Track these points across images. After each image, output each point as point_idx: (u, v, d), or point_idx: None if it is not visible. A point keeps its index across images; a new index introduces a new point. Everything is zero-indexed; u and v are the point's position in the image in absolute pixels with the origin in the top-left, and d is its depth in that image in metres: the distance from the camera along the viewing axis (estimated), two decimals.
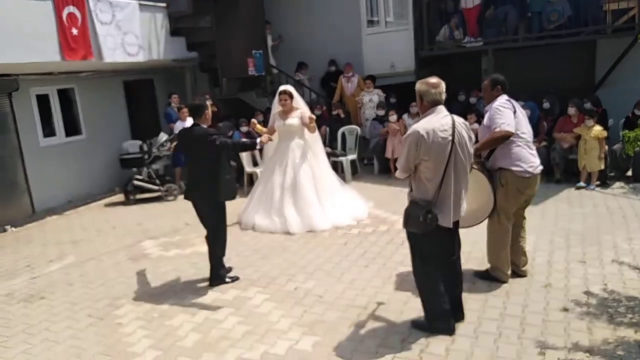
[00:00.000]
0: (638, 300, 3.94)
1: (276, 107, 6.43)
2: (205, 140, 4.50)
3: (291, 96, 6.30)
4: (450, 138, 3.35)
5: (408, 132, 3.41)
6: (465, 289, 4.18)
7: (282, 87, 6.45)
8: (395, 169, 3.61)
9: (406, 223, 3.45)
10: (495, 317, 3.83)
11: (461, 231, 3.80)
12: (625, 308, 3.84)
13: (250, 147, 5.14)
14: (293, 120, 6.30)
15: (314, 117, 6.36)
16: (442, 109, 3.45)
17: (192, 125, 4.69)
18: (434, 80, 3.48)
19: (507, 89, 4.26)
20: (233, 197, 4.76)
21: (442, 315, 3.62)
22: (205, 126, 4.65)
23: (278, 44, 11.04)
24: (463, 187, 3.52)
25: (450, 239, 3.67)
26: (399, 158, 3.51)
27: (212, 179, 4.57)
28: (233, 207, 5.56)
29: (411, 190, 3.54)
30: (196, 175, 4.72)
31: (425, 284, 3.64)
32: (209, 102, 4.95)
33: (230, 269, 5.04)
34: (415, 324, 3.77)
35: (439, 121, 3.38)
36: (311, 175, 6.41)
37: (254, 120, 6.48)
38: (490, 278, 4.41)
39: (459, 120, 3.48)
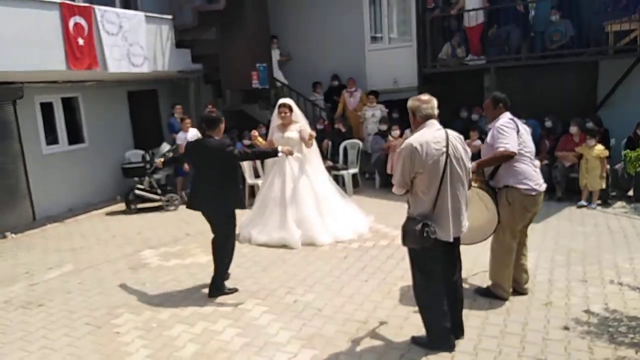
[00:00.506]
0: (639, 321, 3.92)
1: (275, 120, 6.41)
2: (222, 152, 4.60)
3: (291, 109, 6.30)
4: (444, 150, 3.35)
5: (402, 146, 3.42)
6: (465, 306, 4.16)
7: (282, 100, 6.44)
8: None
9: (404, 239, 3.44)
10: (496, 334, 3.81)
11: (462, 247, 3.79)
12: (627, 328, 3.82)
13: (272, 154, 5.21)
14: (292, 133, 6.28)
15: (314, 134, 6.35)
16: (435, 123, 3.47)
17: (205, 137, 4.75)
18: (425, 97, 3.53)
19: (509, 107, 4.29)
20: (244, 206, 5.04)
21: (442, 332, 3.59)
22: (217, 138, 4.72)
23: (286, 60, 11.12)
24: (462, 201, 3.49)
25: (451, 255, 3.66)
26: (395, 173, 3.50)
27: (226, 188, 4.67)
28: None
29: (409, 207, 3.53)
30: (208, 186, 4.71)
31: (425, 300, 3.62)
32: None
33: (228, 276, 5.05)
34: (416, 341, 3.74)
35: (432, 134, 3.40)
36: (311, 188, 6.39)
37: (254, 132, 6.50)
38: (490, 295, 4.39)
39: (452, 133, 3.49)
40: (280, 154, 5.10)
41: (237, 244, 5.05)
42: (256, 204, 6.66)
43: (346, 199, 7.03)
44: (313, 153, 6.60)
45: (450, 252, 3.64)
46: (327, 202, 6.44)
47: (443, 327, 3.58)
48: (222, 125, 4.78)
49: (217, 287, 4.82)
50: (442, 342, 3.61)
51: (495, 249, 4.33)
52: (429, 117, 3.46)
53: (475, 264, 5.03)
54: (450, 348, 3.61)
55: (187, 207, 4.96)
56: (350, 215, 6.62)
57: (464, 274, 3.94)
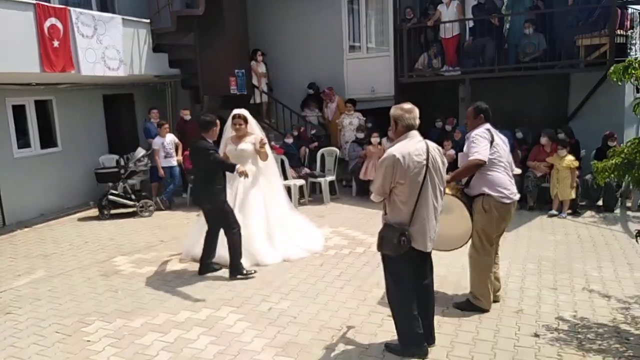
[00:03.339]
0: (607, 327, 4.03)
1: (229, 132, 6.03)
2: (205, 153, 5.20)
3: (246, 121, 5.90)
4: (424, 162, 3.43)
5: (384, 156, 3.46)
6: (438, 313, 4.23)
7: (236, 111, 5.98)
8: (370, 192, 3.66)
9: (380, 246, 3.48)
10: (468, 341, 3.86)
11: (434, 255, 3.84)
12: (595, 334, 3.92)
13: (229, 169, 5.35)
14: (246, 145, 5.89)
15: (265, 140, 5.97)
16: (416, 134, 3.54)
17: (199, 138, 5.29)
18: (408, 106, 3.57)
19: (491, 118, 4.31)
20: (221, 205, 5.33)
21: (415, 339, 3.63)
22: (210, 141, 5.31)
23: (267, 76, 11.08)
24: (438, 211, 3.58)
25: (423, 262, 3.71)
26: (374, 181, 3.54)
27: (212, 186, 5.26)
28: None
29: (385, 213, 3.57)
30: (199, 183, 5.47)
31: (399, 307, 3.65)
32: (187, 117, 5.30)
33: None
34: (389, 348, 3.77)
35: (414, 145, 3.46)
36: (262, 202, 5.99)
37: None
38: (471, 308, 4.37)
39: (432, 145, 3.56)
40: (234, 172, 5.23)
41: None
42: (201, 219, 6.06)
43: (299, 215, 6.73)
44: (270, 165, 6.22)
45: (423, 260, 3.69)
46: (277, 219, 6.05)
47: (415, 333, 3.62)
48: (215, 128, 5.36)
49: (236, 267, 5.38)
50: (415, 347, 3.64)
51: (475, 259, 4.34)
52: (410, 127, 3.52)
53: (449, 271, 5.11)
54: (424, 355, 3.64)
55: (193, 202, 5.50)
56: (303, 233, 6.34)
57: (437, 281, 3.98)
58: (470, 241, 4.33)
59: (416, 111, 3.55)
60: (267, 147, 6.02)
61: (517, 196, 4.28)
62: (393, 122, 3.57)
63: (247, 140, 5.93)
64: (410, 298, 3.60)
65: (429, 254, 3.72)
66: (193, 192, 5.65)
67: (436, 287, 4.83)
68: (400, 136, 3.54)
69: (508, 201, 4.16)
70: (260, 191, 6.02)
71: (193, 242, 6.03)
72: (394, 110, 3.58)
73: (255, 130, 6.08)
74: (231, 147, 5.94)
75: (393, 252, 3.41)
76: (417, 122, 3.56)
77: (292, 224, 6.29)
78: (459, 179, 4.30)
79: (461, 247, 4.41)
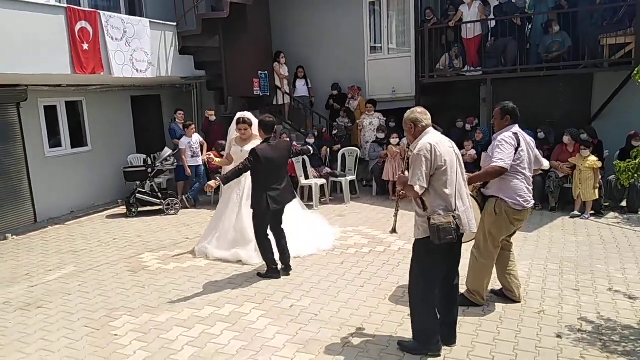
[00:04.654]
0: (632, 329, 3.99)
1: (233, 134, 6.14)
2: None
3: (250, 124, 5.97)
4: (453, 149, 3.60)
5: (417, 148, 3.51)
6: (459, 313, 4.24)
7: (240, 115, 6.05)
8: (394, 191, 3.72)
9: (438, 236, 3.41)
10: (489, 341, 3.87)
11: None
12: (619, 336, 3.88)
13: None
14: (251, 147, 5.96)
15: None
16: (433, 130, 3.66)
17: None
18: (420, 109, 3.70)
19: (518, 118, 4.29)
20: (260, 209, 5.22)
21: (431, 336, 3.68)
22: (270, 143, 5.22)
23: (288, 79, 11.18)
24: (469, 195, 3.71)
25: (455, 261, 3.75)
26: (413, 175, 3.48)
27: (252, 190, 5.31)
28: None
29: (425, 208, 3.54)
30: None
31: (421, 302, 3.68)
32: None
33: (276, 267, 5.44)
34: (402, 346, 3.82)
35: (438, 136, 3.61)
36: None
37: (209, 154, 6.34)
38: (467, 303, 4.42)
39: (447, 139, 3.71)
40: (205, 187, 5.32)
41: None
42: (214, 217, 6.48)
43: (312, 213, 6.88)
44: None
45: (455, 257, 3.74)
46: (287, 217, 5.92)
47: (432, 330, 3.67)
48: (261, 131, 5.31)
49: (266, 271, 5.39)
50: (430, 345, 3.69)
51: (476, 257, 4.39)
52: (428, 126, 3.64)
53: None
54: (438, 351, 3.69)
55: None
56: (313, 230, 6.46)
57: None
58: (475, 240, 4.37)
59: (429, 114, 3.68)
60: None
61: (532, 203, 4.26)
62: (411, 125, 3.64)
63: (252, 143, 5.95)
64: (433, 295, 3.64)
65: (460, 253, 3.76)
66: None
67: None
68: (419, 135, 3.62)
69: (520, 208, 4.16)
70: None
71: (206, 240, 6.29)
72: (410, 114, 3.66)
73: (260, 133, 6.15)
74: (236, 149, 6.01)
75: (454, 236, 3.41)
76: (431, 123, 3.67)
77: (302, 222, 6.37)
78: (477, 182, 4.31)
79: (467, 242, 4.41)
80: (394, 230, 4.17)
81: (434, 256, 3.55)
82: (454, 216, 3.45)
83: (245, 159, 5.10)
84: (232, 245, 6.05)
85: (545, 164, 4.56)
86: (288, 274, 5.43)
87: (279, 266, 5.45)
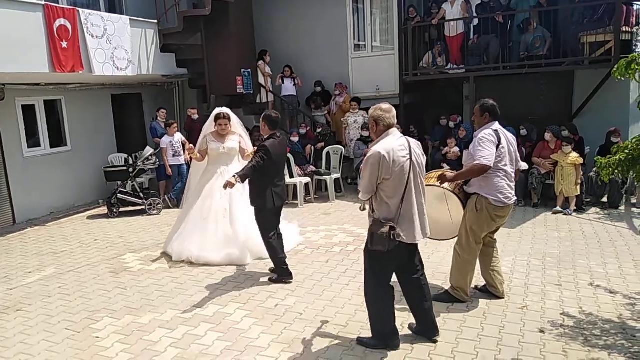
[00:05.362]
0: (613, 324, 4.04)
1: (209, 129, 5.98)
2: None
3: (229, 120, 5.87)
4: (408, 157, 3.52)
5: (369, 154, 3.53)
6: (443, 310, 4.28)
7: (218, 110, 5.92)
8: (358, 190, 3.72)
9: (371, 242, 3.54)
10: (473, 337, 3.89)
11: (430, 246, 3.87)
12: (600, 331, 3.94)
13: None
14: (233, 143, 5.93)
15: (251, 149, 5.95)
16: (396, 131, 3.62)
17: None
18: (386, 106, 3.66)
19: (498, 115, 4.29)
20: (261, 205, 5.07)
21: (388, 332, 3.74)
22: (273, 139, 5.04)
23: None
24: (424, 204, 3.67)
25: (412, 257, 3.77)
26: (362, 180, 3.61)
27: (251, 186, 5.11)
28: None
29: (373, 211, 3.63)
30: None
31: (375, 302, 3.73)
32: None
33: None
34: (361, 341, 3.86)
35: (396, 142, 3.54)
36: (246, 201, 5.66)
37: (190, 146, 6.10)
38: (450, 299, 4.48)
39: (412, 141, 3.66)
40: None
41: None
42: (188, 218, 6.06)
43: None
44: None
45: (412, 254, 3.76)
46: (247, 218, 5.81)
47: (388, 327, 3.73)
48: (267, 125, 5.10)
49: (278, 274, 5.21)
50: (387, 340, 3.74)
51: (459, 254, 4.42)
52: (390, 125, 3.60)
53: (443, 261, 5.13)
54: (396, 346, 3.74)
55: None
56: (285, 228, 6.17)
57: (430, 273, 4.00)
58: (457, 237, 4.42)
59: (394, 111, 3.64)
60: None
61: (513, 200, 4.29)
62: (373, 122, 3.63)
63: (232, 139, 5.97)
64: (388, 294, 3.69)
65: (417, 249, 3.79)
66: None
67: (428, 278, 4.95)
68: (381, 134, 3.60)
69: (501, 205, 4.19)
70: (243, 189, 5.70)
71: (171, 238, 6.20)
72: (373, 111, 3.64)
73: (237, 129, 6.11)
74: (216, 146, 5.88)
75: (384, 247, 3.47)
76: (395, 120, 3.64)
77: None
78: (461, 180, 4.34)
79: (450, 239, 4.54)
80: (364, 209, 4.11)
81: (387, 258, 3.57)
82: (391, 227, 3.46)
83: (257, 155, 4.90)
84: (223, 246, 5.81)
85: (523, 165, 4.58)
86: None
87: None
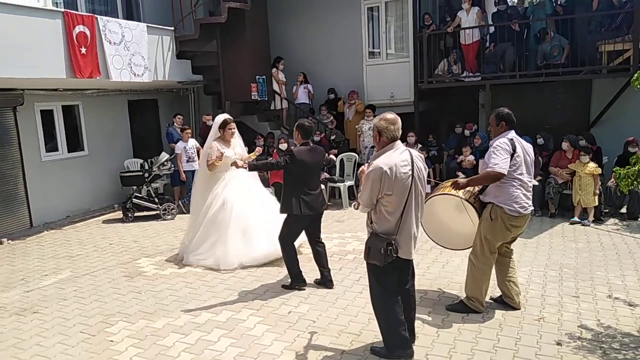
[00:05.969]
0: (632, 337, 3.96)
1: (216, 135, 6.05)
2: None
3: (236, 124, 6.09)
4: (410, 173, 3.46)
5: (370, 168, 3.48)
6: (458, 320, 4.25)
7: (224, 116, 6.07)
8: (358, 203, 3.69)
9: (367, 255, 3.53)
10: (489, 349, 3.84)
11: (445, 256, 3.84)
12: (620, 344, 3.86)
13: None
14: (240, 149, 6.10)
15: (252, 156, 6.02)
16: (399, 145, 3.56)
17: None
18: (391, 116, 3.58)
19: (514, 124, 4.25)
20: (288, 212, 5.03)
21: (401, 341, 3.69)
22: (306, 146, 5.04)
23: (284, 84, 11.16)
24: (420, 219, 3.66)
25: (406, 269, 3.75)
26: (362, 193, 3.56)
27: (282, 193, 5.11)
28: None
29: (371, 222, 3.60)
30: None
31: (385, 311, 3.69)
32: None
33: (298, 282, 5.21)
34: (374, 351, 3.82)
35: (399, 156, 3.48)
36: (260, 203, 6.10)
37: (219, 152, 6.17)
38: (465, 309, 4.43)
39: (415, 153, 3.61)
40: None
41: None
42: (206, 222, 6.03)
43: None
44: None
45: (407, 266, 3.74)
46: (261, 219, 6.00)
47: (401, 336, 3.67)
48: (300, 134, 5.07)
49: (291, 279, 5.18)
50: (401, 349, 3.69)
51: (474, 263, 4.37)
52: (394, 138, 3.54)
53: (443, 269, 5.08)
54: (409, 356, 3.70)
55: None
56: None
57: (429, 280, 3.95)
58: (472, 246, 4.38)
59: (399, 122, 3.56)
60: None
61: (530, 210, 4.24)
62: (377, 133, 3.57)
63: (238, 144, 6.17)
64: (396, 301, 3.65)
65: (411, 260, 3.76)
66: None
67: (427, 286, 4.95)
68: (384, 146, 3.55)
69: (516, 214, 4.14)
70: (258, 190, 6.17)
71: (186, 244, 6.24)
72: (378, 122, 3.59)
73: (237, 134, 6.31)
74: (229, 152, 5.99)
75: (380, 261, 3.46)
76: (400, 132, 3.57)
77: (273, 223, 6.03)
78: (474, 186, 4.30)
79: (463, 249, 4.48)
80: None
81: (385, 268, 3.54)
82: (389, 242, 3.42)
83: (281, 157, 4.96)
84: (266, 245, 5.83)
85: (533, 182, 4.50)
86: (331, 287, 5.21)
87: (316, 279, 5.30)
